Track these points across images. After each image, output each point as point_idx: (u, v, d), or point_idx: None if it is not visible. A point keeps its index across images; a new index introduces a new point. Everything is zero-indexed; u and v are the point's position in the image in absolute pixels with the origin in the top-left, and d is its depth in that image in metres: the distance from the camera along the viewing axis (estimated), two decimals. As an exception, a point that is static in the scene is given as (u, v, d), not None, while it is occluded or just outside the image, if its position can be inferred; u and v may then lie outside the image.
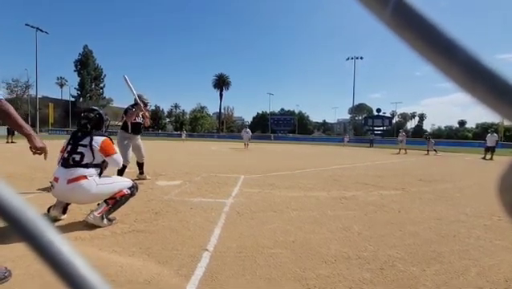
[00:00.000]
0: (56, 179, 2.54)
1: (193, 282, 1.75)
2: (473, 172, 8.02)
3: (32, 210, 0.21)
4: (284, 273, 1.90)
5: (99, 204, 2.67)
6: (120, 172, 4.48)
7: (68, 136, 2.86)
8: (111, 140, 2.81)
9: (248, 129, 18.65)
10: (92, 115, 2.86)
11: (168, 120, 70.34)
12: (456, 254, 2.29)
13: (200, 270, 1.91)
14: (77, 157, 2.59)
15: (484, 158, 13.44)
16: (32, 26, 33.48)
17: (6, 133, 15.48)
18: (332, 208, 3.60)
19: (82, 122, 2.84)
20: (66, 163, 2.59)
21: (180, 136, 32.71)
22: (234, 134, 45.98)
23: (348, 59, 49.03)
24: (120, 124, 5.10)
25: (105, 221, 2.63)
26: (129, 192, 2.75)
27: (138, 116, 4.91)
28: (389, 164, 9.87)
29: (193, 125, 62.68)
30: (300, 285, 1.76)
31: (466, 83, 0.14)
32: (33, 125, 36.15)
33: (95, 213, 2.59)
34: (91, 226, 2.61)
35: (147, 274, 1.82)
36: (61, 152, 2.71)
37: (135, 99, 4.82)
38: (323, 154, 14.91)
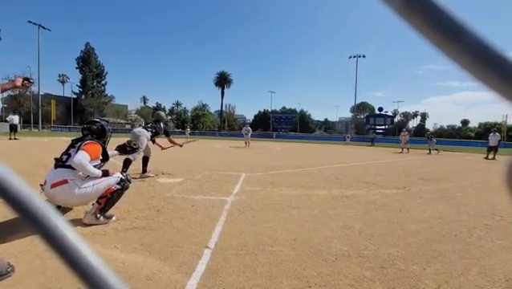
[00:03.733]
0: (45, 182, 2.55)
1: (194, 279, 1.76)
2: (475, 172, 7.99)
3: (38, 198, 0.21)
4: (285, 271, 1.91)
5: (93, 204, 2.67)
6: (126, 164, 4.83)
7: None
8: (103, 147, 2.81)
9: (249, 127, 18.55)
10: (95, 127, 2.89)
11: (169, 117, 70.42)
12: (457, 253, 2.29)
13: (201, 267, 1.92)
14: (64, 158, 2.62)
15: (486, 158, 13.36)
16: (34, 23, 33.54)
17: (9, 130, 15.55)
18: (333, 206, 3.60)
19: (84, 133, 2.87)
20: (56, 164, 2.63)
21: (183, 133, 33.01)
22: (236, 132, 46.01)
23: (351, 57, 48.91)
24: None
25: (101, 218, 2.63)
26: (119, 187, 2.71)
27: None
28: (391, 163, 9.85)
29: (194, 123, 62.74)
30: (301, 283, 1.76)
31: (476, 70, 0.14)
32: (35, 122, 36.35)
33: (89, 214, 2.61)
34: (92, 224, 2.62)
35: (148, 271, 1.83)
36: None
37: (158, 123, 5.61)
38: (325, 152, 14.89)
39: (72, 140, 2.77)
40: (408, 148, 16.88)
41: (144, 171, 5.27)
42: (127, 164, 4.83)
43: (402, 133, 17.64)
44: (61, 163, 2.60)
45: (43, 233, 0.19)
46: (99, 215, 2.62)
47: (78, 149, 2.60)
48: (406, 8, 0.14)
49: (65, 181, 2.48)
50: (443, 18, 0.14)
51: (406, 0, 0.14)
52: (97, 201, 2.63)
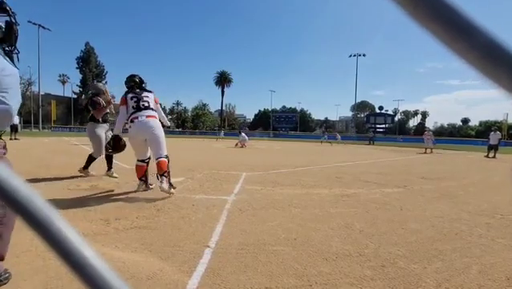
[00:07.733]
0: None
1: (194, 278, 1.76)
2: (476, 171, 7.97)
3: (40, 199, 0.21)
4: (285, 270, 1.91)
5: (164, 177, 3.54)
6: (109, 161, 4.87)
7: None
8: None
9: (243, 134, 17.15)
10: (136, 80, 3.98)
11: (170, 117, 70.37)
12: (457, 251, 2.29)
13: (201, 266, 1.92)
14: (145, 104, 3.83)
15: (487, 156, 13.36)
16: (34, 23, 33.52)
17: (10, 130, 15.57)
18: (334, 205, 3.60)
19: (129, 85, 3.96)
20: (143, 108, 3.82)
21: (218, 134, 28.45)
22: (236, 132, 45.98)
23: (351, 56, 48.93)
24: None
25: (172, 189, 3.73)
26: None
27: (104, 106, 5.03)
28: (391, 162, 9.84)
29: (194, 123, 62.75)
30: (301, 282, 1.76)
31: (485, 67, 0.14)
32: (36, 122, 36.37)
33: (166, 184, 3.54)
34: (93, 223, 2.63)
35: (149, 270, 1.83)
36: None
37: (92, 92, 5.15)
38: (325, 151, 14.87)
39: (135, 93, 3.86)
40: (431, 149, 15.77)
41: (110, 169, 4.88)
42: (91, 160, 4.76)
43: (426, 133, 16.35)
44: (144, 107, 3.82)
45: (46, 236, 0.19)
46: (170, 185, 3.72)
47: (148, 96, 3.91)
48: (413, 3, 0.14)
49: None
50: (452, 14, 0.14)
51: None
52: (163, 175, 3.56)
